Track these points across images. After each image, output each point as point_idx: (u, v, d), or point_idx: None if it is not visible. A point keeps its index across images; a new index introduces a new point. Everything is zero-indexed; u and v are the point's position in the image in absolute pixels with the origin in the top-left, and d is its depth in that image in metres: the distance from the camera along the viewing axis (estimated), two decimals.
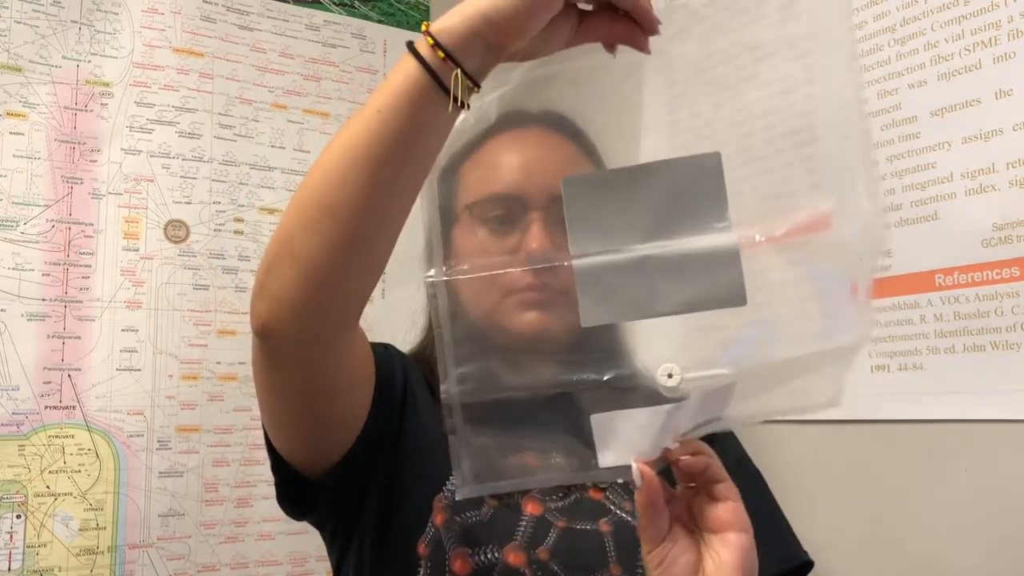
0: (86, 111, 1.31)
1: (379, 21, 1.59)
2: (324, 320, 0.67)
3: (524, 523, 0.77)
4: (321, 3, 1.54)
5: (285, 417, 0.77)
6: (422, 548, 0.76)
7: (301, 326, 0.66)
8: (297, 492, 0.81)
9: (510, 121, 0.92)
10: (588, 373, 0.63)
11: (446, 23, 0.61)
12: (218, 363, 1.36)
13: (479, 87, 0.63)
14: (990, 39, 1.01)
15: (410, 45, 0.62)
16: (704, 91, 1.40)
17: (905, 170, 1.08)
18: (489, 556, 0.75)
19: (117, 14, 1.35)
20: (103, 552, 1.25)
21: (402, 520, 0.78)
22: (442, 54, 0.60)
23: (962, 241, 1.01)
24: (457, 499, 0.58)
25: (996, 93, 1.00)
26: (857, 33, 1.15)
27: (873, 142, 1.12)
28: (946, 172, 1.04)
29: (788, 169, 1.24)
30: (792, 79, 1.24)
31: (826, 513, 1.10)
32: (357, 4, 1.57)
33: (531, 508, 0.78)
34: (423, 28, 0.61)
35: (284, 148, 1.47)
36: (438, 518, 0.77)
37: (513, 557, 0.75)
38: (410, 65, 0.62)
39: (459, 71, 0.60)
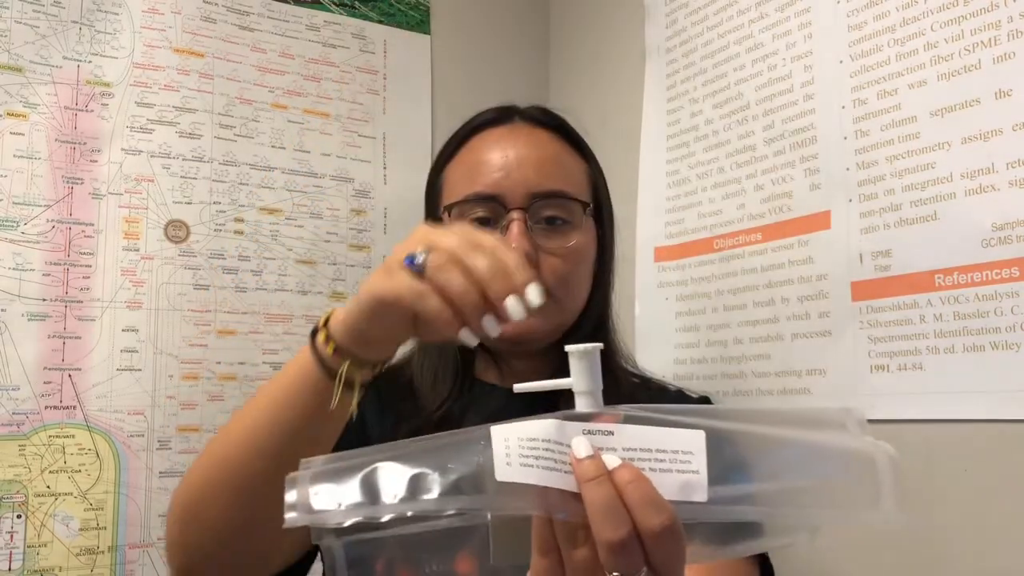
0: (86, 111, 1.32)
1: (379, 21, 1.59)
2: (239, 566, 0.71)
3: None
4: (321, 3, 1.54)
5: None
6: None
7: (219, 571, 0.71)
8: None
9: (495, 118, 0.92)
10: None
11: (336, 316, 0.64)
12: (218, 363, 1.37)
13: (377, 364, 0.66)
14: (990, 39, 1.01)
15: (313, 335, 0.66)
16: (704, 90, 1.41)
17: (905, 170, 1.08)
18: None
19: (117, 14, 1.35)
20: (103, 552, 1.25)
21: None
22: (332, 347, 0.63)
23: (962, 241, 1.01)
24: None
25: (996, 93, 1.00)
26: (857, 33, 1.15)
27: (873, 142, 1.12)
28: (946, 172, 1.04)
29: (788, 169, 1.24)
30: (791, 80, 1.24)
31: None
32: (357, 4, 1.57)
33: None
34: (321, 322, 0.65)
35: (284, 148, 1.47)
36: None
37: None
38: (301, 361, 0.65)
39: (345, 365, 0.63)
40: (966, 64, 1.03)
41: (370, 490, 0.47)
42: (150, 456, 1.30)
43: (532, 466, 0.47)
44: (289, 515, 0.49)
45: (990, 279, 0.99)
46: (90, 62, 1.32)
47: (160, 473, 1.30)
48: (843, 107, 1.16)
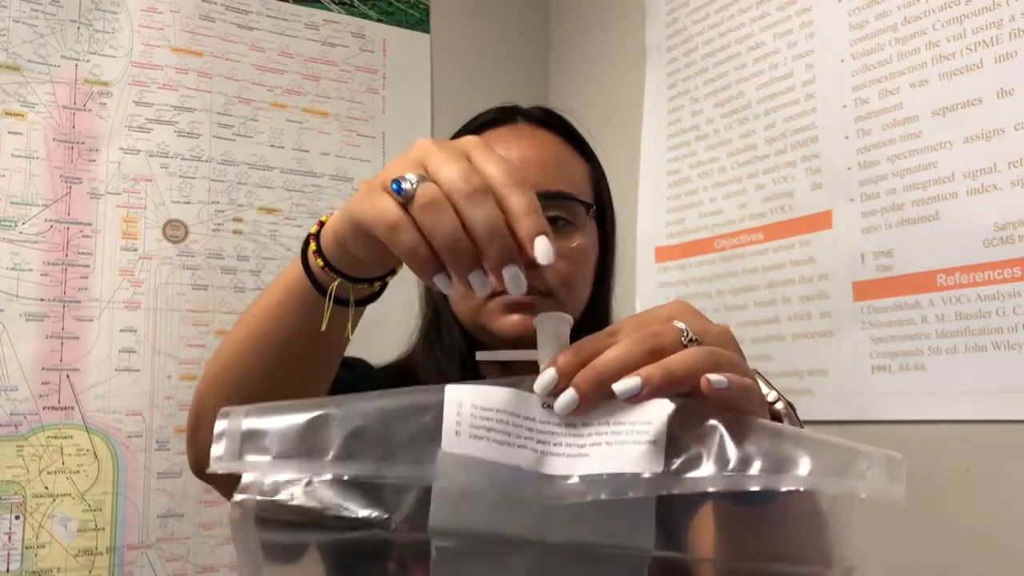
0: (85, 110, 1.31)
1: (378, 20, 1.59)
2: None
3: None
4: (320, 2, 1.53)
5: None
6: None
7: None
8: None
9: (497, 118, 0.91)
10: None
11: (328, 225, 0.58)
12: None
13: (376, 281, 0.60)
14: (991, 38, 1.00)
15: (306, 243, 0.60)
16: (705, 89, 1.40)
17: (906, 170, 1.08)
18: None
19: (116, 13, 1.35)
20: (102, 553, 1.24)
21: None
22: (321, 262, 0.58)
23: (964, 241, 1.01)
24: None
25: (997, 92, 0.99)
26: (858, 32, 1.15)
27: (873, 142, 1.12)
28: (947, 172, 1.04)
29: (790, 168, 1.24)
30: (793, 79, 1.24)
31: None
32: (356, 3, 1.57)
33: None
34: (315, 229, 0.59)
35: (283, 147, 1.46)
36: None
37: None
38: (298, 268, 0.61)
39: (336, 283, 0.58)
40: (968, 63, 1.02)
41: (305, 444, 0.45)
42: (148, 457, 1.29)
43: (483, 438, 0.44)
44: (215, 452, 0.46)
45: (992, 279, 0.99)
46: (88, 61, 1.32)
47: (159, 474, 1.30)
48: (844, 106, 1.16)
